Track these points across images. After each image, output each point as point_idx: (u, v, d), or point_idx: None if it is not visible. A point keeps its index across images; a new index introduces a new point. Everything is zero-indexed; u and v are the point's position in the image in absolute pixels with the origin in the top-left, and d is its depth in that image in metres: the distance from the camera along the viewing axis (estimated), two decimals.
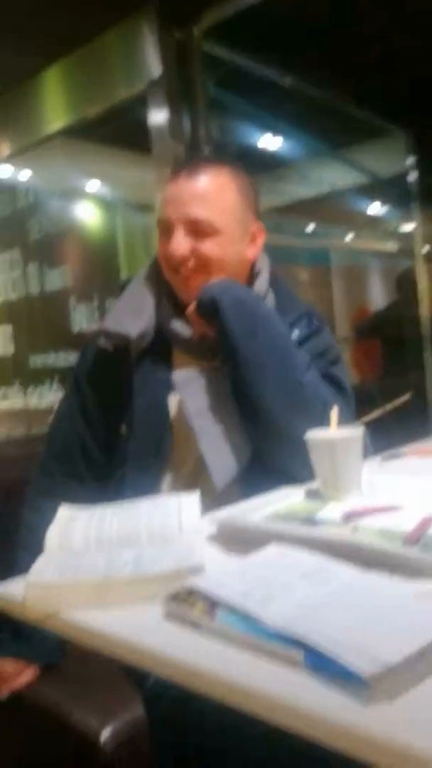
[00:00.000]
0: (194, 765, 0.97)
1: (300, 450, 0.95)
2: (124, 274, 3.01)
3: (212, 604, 0.58)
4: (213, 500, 1.09)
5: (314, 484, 0.95)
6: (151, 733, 1.08)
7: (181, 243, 1.14)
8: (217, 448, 1.11)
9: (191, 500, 0.86)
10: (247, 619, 0.55)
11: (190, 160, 1.58)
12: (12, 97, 2.65)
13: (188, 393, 1.15)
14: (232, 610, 0.56)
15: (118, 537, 0.76)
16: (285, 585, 0.60)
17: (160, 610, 0.62)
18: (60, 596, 0.66)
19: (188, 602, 0.60)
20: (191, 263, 1.15)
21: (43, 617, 0.65)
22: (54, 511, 1.23)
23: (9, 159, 2.81)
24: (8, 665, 1.24)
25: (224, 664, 0.53)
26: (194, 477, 1.20)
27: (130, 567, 0.67)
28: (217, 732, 0.94)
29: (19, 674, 1.24)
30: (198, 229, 1.14)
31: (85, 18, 2.17)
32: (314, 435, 0.92)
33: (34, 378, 2.87)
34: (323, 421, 0.98)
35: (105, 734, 1.09)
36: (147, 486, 1.16)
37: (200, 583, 0.62)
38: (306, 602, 0.56)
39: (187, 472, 1.21)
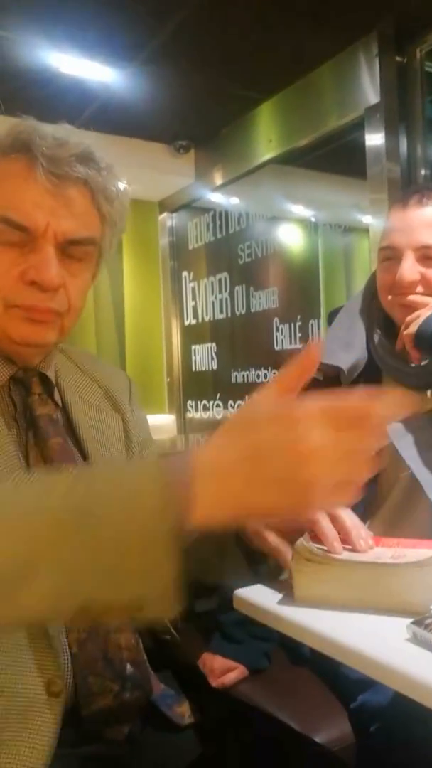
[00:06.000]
0: None
1: None
2: (323, 295, 3.06)
3: None
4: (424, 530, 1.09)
5: None
6: (358, 753, 1.10)
7: (411, 269, 1.15)
8: None
9: None
10: None
11: (415, 187, 1.58)
12: (229, 130, 2.85)
13: (405, 445, 1.14)
14: None
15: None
16: None
17: (403, 634, 0.65)
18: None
19: None
20: (419, 290, 1.16)
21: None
22: None
23: (222, 188, 3.01)
24: (218, 662, 1.33)
25: None
26: (401, 505, 1.20)
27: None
28: (424, 763, 0.93)
29: (227, 672, 1.33)
30: (429, 256, 1.15)
31: (302, 53, 2.27)
32: None
33: (234, 392, 3.03)
34: None
35: None
36: (355, 510, 1.18)
37: None
38: None
39: (394, 500, 1.21)
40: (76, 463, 0.84)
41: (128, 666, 0.79)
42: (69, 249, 0.79)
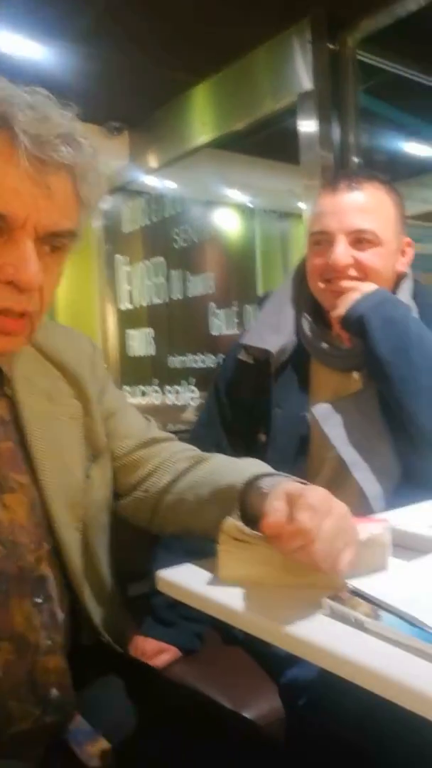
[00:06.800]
0: (326, 761, 1.00)
1: None
2: (260, 281, 3.09)
3: (376, 607, 0.61)
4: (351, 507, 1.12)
5: None
6: (287, 727, 1.13)
7: (344, 253, 1.16)
8: (371, 477, 1.13)
9: None
10: (412, 624, 0.57)
11: (344, 172, 1.60)
12: (163, 112, 2.81)
13: (332, 425, 1.15)
14: (398, 615, 0.59)
15: None
16: None
17: (321, 610, 0.66)
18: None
19: (350, 604, 0.63)
20: (352, 272, 1.18)
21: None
22: None
23: (157, 171, 2.98)
24: (149, 644, 1.33)
25: (384, 659, 0.56)
26: (330, 484, 1.22)
27: None
28: (352, 733, 0.96)
29: (159, 654, 1.33)
30: (362, 240, 1.16)
31: (236, 36, 2.26)
32: None
33: (171, 377, 3.02)
34: None
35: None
36: None
37: (362, 586, 0.65)
38: None
39: (323, 479, 1.24)
40: (24, 470, 0.78)
41: (53, 690, 0.76)
42: (47, 240, 0.71)
